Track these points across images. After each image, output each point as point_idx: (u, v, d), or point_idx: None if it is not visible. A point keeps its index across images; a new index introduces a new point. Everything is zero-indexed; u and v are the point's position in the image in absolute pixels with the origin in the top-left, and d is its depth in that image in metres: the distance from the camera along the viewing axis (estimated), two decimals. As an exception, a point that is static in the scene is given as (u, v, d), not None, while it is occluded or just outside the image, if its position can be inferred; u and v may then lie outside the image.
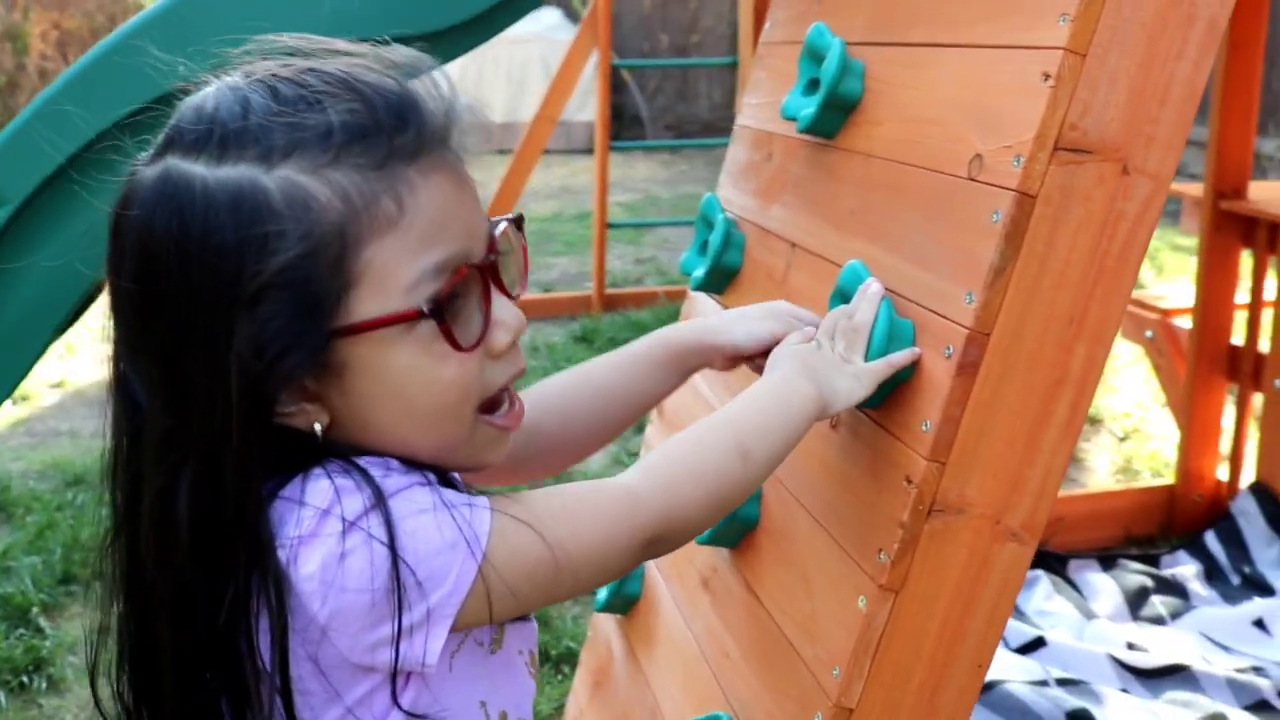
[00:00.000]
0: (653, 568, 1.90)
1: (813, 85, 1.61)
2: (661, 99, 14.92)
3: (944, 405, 1.19)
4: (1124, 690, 2.95)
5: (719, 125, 14.41)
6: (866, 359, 1.24)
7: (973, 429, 1.20)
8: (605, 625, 2.04)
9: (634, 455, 4.67)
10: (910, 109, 1.41)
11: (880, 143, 1.46)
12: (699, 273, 1.85)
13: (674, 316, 6.55)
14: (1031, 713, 2.76)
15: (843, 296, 1.35)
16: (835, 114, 1.54)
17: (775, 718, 1.38)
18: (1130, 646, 3.17)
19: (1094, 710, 2.76)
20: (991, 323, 1.18)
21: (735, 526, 1.54)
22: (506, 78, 13.94)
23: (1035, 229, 1.17)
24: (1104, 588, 3.59)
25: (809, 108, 1.56)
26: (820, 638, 1.31)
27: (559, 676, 3.12)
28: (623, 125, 13.67)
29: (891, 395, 1.27)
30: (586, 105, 12.87)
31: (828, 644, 1.30)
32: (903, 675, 1.26)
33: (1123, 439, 4.72)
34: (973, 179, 1.23)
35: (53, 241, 2.00)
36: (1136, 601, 3.52)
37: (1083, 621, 3.35)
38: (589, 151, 13.54)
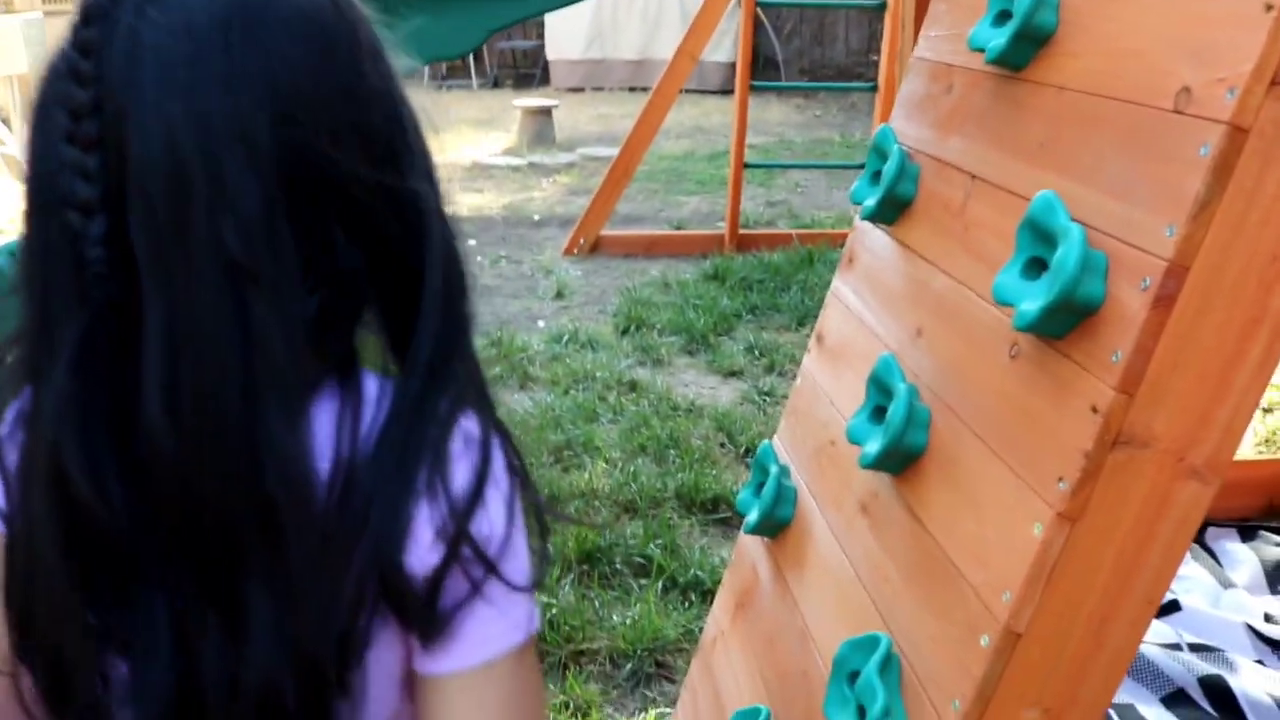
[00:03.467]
0: (805, 492, 1.92)
1: (1003, 17, 1.60)
2: (797, 42, 14.77)
3: (1137, 337, 1.19)
4: (1259, 662, 2.90)
5: (855, 70, 14.23)
6: (1061, 290, 1.24)
7: (1165, 362, 1.19)
8: (751, 548, 2.07)
9: (765, 394, 4.69)
10: (1110, 41, 1.39)
11: (1075, 75, 1.44)
12: (870, 202, 1.86)
13: (807, 260, 6.53)
14: (1163, 675, 2.73)
15: (1033, 227, 1.35)
16: (1026, 46, 1.53)
17: (938, 640, 1.40)
18: (1268, 619, 3.12)
19: (1228, 678, 2.72)
20: (1192, 256, 1.17)
21: (900, 453, 1.55)
22: (641, 16, 13.91)
23: (1245, 164, 1.15)
24: (1243, 558, 3.52)
25: (999, 39, 1.56)
26: (990, 563, 1.33)
27: (685, 604, 3.16)
28: (757, 68, 13.57)
29: (1078, 326, 1.27)
30: (720, 46, 12.80)
31: (998, 569, 1.31)
32: (1074, 604, 1.26)
33: (1267, 410, 4.62)
34: (1179, 111, 1.22)
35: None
36: (1275, 574, 3.46)
37: (1219, 590, 3.30)
38: (721, 92, 13.50)
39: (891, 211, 1.84)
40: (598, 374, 4.87)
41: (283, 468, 0.86)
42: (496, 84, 15.31)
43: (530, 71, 15.38)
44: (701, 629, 3.01)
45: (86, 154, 0.84)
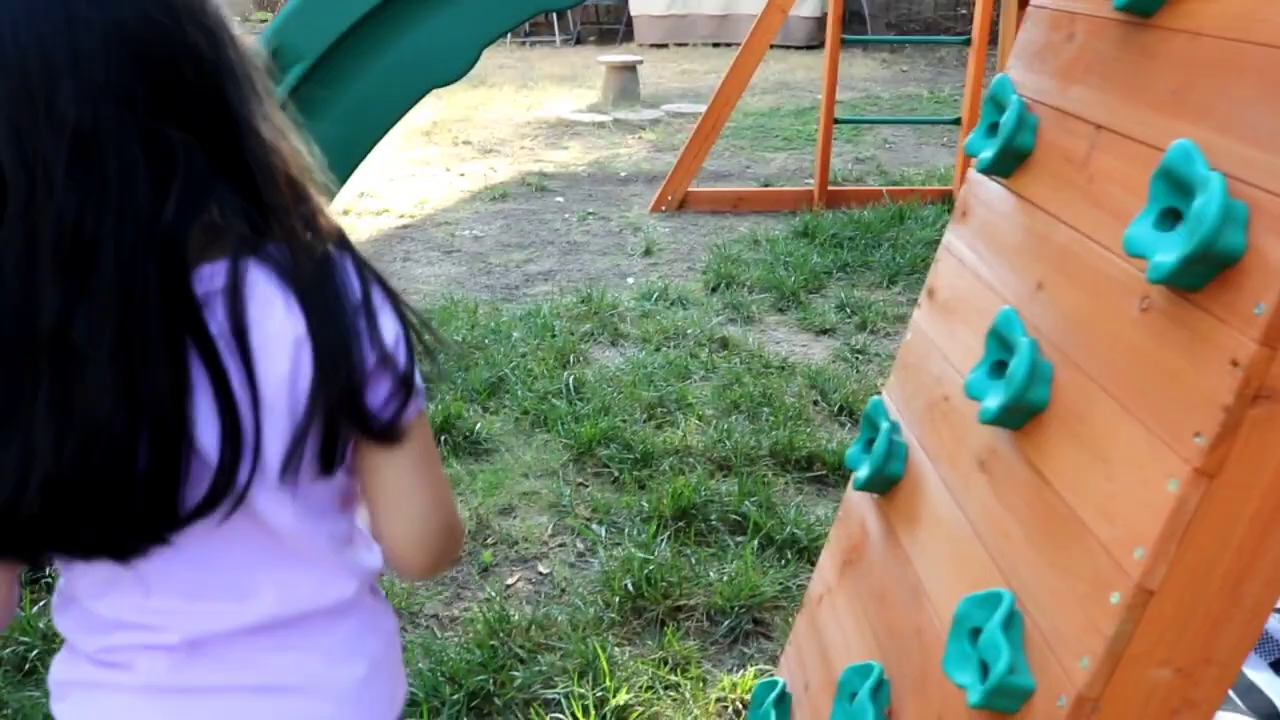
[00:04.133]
0: (917, 448, 1.90)
1: (1131, -38, 1.56)
2: (884, -4, 14.56)
3: (1281, 289, 1.16)
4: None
5: (942, 25, 14.01)
6: (1201, 241, 1.21)
7: (1310, 315, 1.16)
8: (860, 505, 2.06)
9: (857, 352, 4.66)
10: (1250, -15, 1.35)
11: (1211, 20, 1.40)
12: (987, 154, 1.82)
13: (897, 217, 6.46)
14: (1273, 639, 2.68)
15: (1168, 177, 1.31)
16: (1158, -9, 1.49)
17: (1063, 598, 1.37)
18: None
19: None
20: (1342, 205, 1.13)
21: (1023, 408, 1.53)
22: (726, -31, 13.78)
23: (1400, 108, 1.11)
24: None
25: (1129, -16, 1.51)
26: (1121, 519, 1.30)
27: (782, 561, 3.15)
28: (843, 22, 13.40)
29: (1217, 278, 1.24)
30: (804, 0, 12.65)
31: (1130, 525, 1.28)
32: (1208, 561, 1.24)
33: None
34: (1328, 55, 1.18)
35: (343, 97, 2.12)
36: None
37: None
38: (805, 47, 13.36)
39: (1009, 163, 1.80)
40: (689, 331, 4.87)
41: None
42: (579, 40, 15.28)
43: (613, 27, 15.33)
44: (799, 587, 3.01)
45: None
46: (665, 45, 14.06)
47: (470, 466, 3.73)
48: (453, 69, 2.25)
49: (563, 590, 3.07)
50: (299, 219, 1.12)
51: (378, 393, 1.14)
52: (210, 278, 1.07)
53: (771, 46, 6.71)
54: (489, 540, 3.31)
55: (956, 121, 7.38)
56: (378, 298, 1.15)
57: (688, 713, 2.57)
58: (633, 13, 14.49)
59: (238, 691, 1.23)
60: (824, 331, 4.96)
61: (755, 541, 3.21)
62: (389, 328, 1.15)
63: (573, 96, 11.17)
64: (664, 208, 6.90)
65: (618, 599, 2.96)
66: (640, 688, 2.63)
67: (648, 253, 6.15)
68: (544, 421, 4.00)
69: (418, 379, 1.18)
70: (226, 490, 1.11)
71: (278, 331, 1.09)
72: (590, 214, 7.02)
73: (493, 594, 3.03)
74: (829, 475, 3.63)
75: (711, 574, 3.05)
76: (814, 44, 13.41)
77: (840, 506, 2.18)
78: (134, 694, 1.22)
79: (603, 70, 11.06)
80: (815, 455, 3.71)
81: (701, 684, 2.67)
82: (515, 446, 3.86)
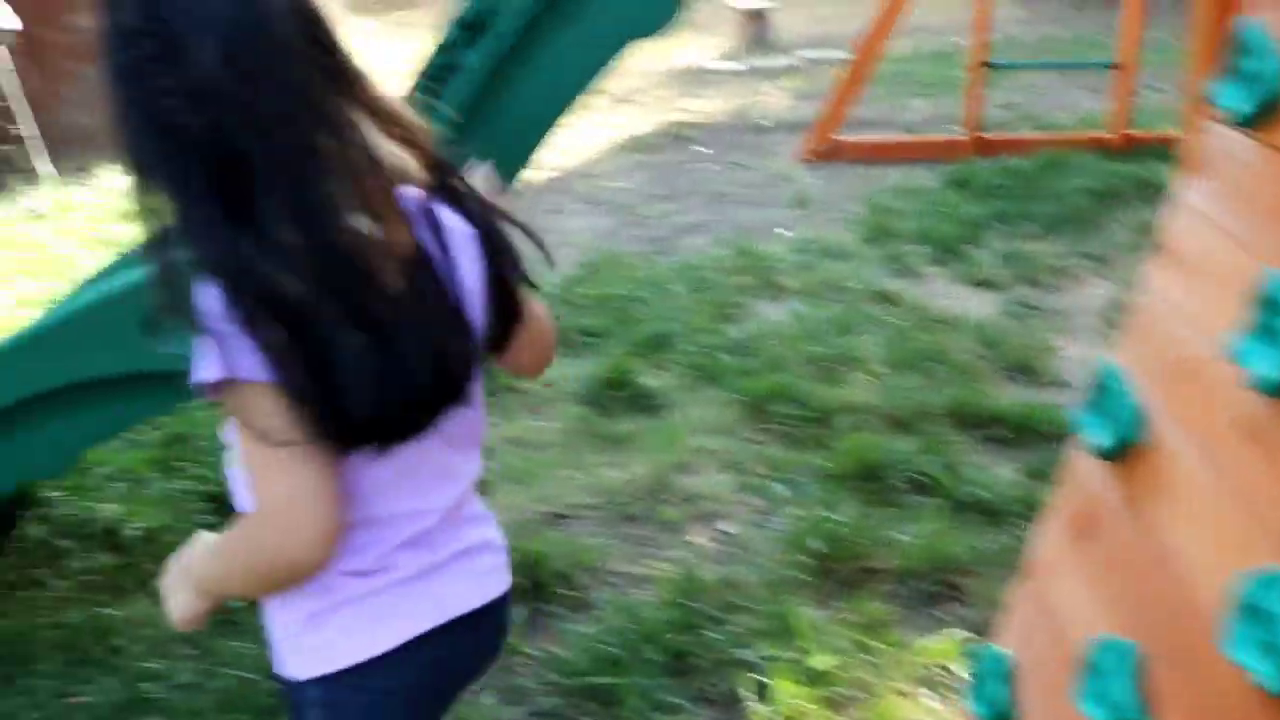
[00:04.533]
0: (1161, 412, 1.82)
1: None
2: (1022, -65, 14.13)
3: None
4: None
5: (1084, -36, 13.57)
6: None
7: None
8: (1090, 471, 1.99)
9: (1023, 306, 4.54)
10: None
11: None
12: (1242, 106, 1.73)
13: (1052, 165, 6.25)
14: None
15: None
16: None
17: (1365, 578, 1.30)
18: None
19: None
20: None
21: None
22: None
23: None
24: None
25: None
26: None
27: (969, 523, 3.08)
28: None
29: None
30: (945, -59, 12.32)
31: None
32: None
33: None
34: None
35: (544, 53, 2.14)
36: None
37: None
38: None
39: (1266, 115, 1.71)
40: (849, 284, 4.79)
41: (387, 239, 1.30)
42: (705, -13, 15.09)
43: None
44: (990, 550, 2.94)
45: None
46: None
47: (642, 422, 3.72)
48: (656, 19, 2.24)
49: (746, 549, 3.04)
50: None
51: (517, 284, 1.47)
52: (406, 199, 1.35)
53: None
54: (669, 498, 3.29)
55: (1110, 66, 7.13)
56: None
57: (887, 678, 2.54)
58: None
59: (480, 551, 1.53)
60: (985, 285, 4.85)
61: (940, 503, 3.15)
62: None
63: (704, 44, 11.04)
64: (811, 157, 6.80)
65: (806, 559, 2.93)
66: (838, 651, 2.60)
67: (799, 204, 6.07)
68: (712, 377, 3.97)
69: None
70: (477, 368, 1.41)
71: (463, 238, 1.39)
72: (735, 164, 6.94)
73: (679, 552, 3.02)
74: (1010, 436, 3.55)
75: (899, 535, 3.00)
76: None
77: (1063, 471, 2.11)
78: (404, 586, 1.43)
79: (732, 16, 10.92)
80: (994, 414, 3.63)
81: (898, 649, 2.63)
82: (685, 402, 3.85)
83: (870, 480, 3.28)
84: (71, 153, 8.26)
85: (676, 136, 7.68)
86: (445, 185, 1.38)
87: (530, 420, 3.79)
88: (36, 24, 7.80)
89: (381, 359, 1.26)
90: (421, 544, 1.44)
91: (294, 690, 1.47)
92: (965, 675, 2.55)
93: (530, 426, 3.74)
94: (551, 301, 4.64)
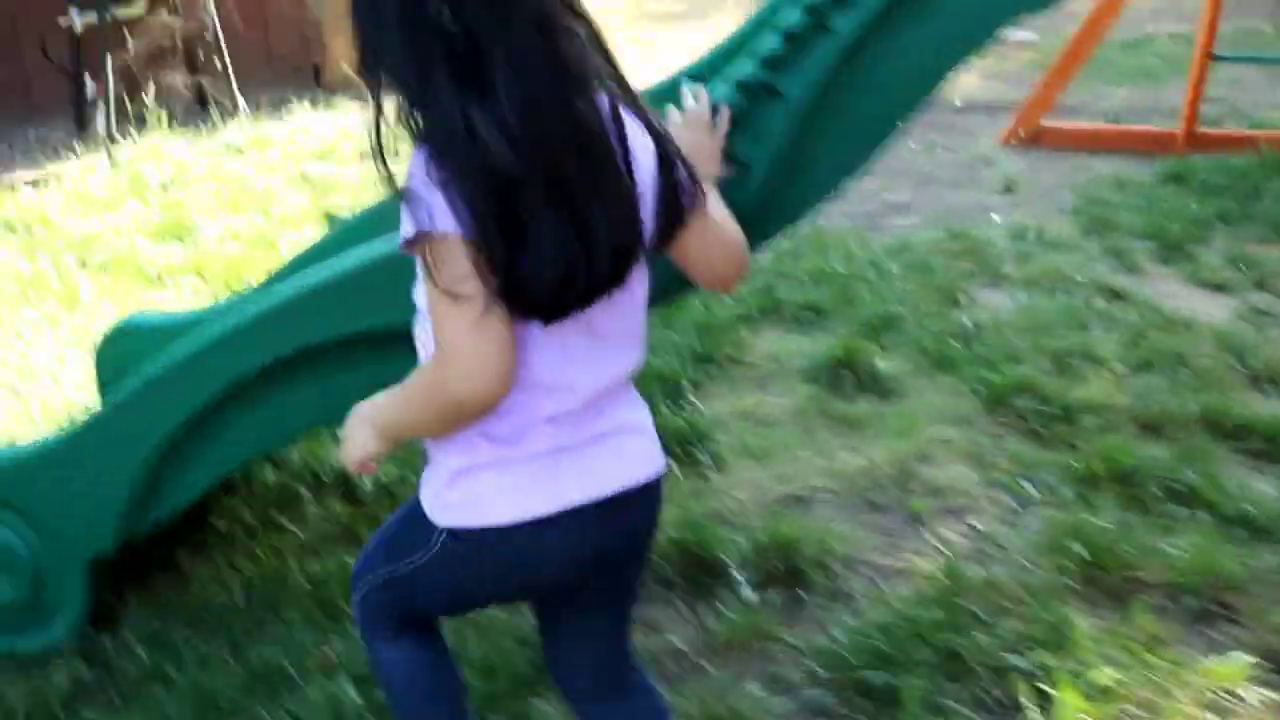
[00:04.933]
0: None
1: None
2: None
3: None
4: None
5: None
6: None
7: None
8: None
9: (1261, 313, 4.36)
10: None
11: None
12: None
13: (1274, 166, 5.97)
14: None
15: None
16: None
17: None
18: None
19: None
20: None
21: None
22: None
23: None
24: None
25: None
26: None
27: (1237, 539, 2.94)
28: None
29: None
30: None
31: None
32: None
33: None
34: None
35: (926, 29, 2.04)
36: None
37: None
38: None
39: None
40: (1075, 276, 4.63)
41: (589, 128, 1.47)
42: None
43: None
44: (1266, 570, 2.81)
45: None
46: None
47: (877, 406, 3.63)
48: None
49: (1003, 549, 2.94)
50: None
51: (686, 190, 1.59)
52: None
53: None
54: (914, 488, 3.20)
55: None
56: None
57: (1174, 699, 2.42)
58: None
59: (627, 433, 1.64)
60: (1217, 287, 4.65)
61: (1205, 515, 3.01)
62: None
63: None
64: (1015, 141, 6.62)
65: (1069, 564, 2.82)
66: (1119, 665, 2.49)
67: (1008, 189, 5.91)
68: (945, 364, 3.86)
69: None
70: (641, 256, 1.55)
71: (642, 145, 1.53)
72: (936, 144, 6.78)
73: (931, 547, 2.93)
74: (1265, 448, 3.39)
75: (1166, 546, 2.88)
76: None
77: None
78: (541, 461, 1.57)
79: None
80: (1247, 424, 3.47)
81: (1179, 668, 2.52)
82: (919, 389, 3.75)
83: (1125, 485, 3.15)
84: (264, 88, 8.38)
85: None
86: (634, 102, 1.54)
87: (760, 394, 3.73)
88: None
89: (570, 235, 1.42)
90: (563, 423, 1.57)
91: (431, 535, 1.64)
92: (1254, 701, 2.44)
93: (761, 401, 3.67)
94: (765, 274, 4.58)
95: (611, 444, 1.62)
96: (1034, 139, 6.60)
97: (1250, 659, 2.52)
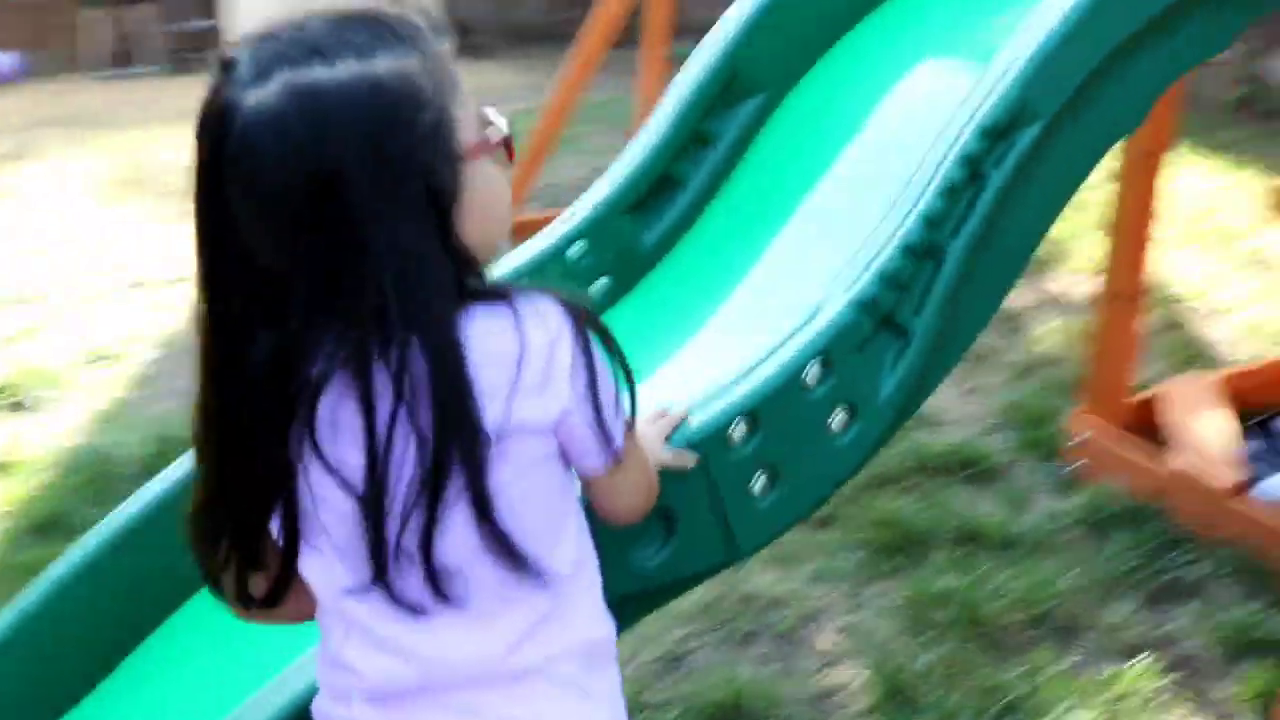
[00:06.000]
0: None
1: None
2: None
3: None
4: None
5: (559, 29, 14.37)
6: None
7: None
8: None
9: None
10: None
11: None
12: None
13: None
14: None
15: None
16: None
17: None
18: None
19: None
20: None
21: None
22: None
23: None
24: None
25: None
26: None
27: None
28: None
29: None
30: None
31: None
32: None
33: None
34: None
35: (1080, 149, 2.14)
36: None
37: None
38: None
39: None
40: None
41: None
42: (175, 70, 14.38)
43: (199, 56, 14.53)
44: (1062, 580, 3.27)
45: None
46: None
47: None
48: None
49: (868, 634, 3.16)
50: None
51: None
52: None
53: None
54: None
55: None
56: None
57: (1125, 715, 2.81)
58: (228, 37, 13.78)
59: None
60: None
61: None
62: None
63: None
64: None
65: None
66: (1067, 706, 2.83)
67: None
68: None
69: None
70: None
71: None
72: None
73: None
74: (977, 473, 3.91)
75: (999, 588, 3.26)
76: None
77: None
78: None
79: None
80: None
81: (1101, 687, 2.91)
82: None
83: (915, 544, 3.50)
84: None
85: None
86: None
87: None
88: None
89: None
90: None
91: None
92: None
93: None
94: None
95: None
96: (515, 233, 6.81)
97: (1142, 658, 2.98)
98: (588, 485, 1.38)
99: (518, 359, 1.19)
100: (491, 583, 1.25)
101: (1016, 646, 3.07)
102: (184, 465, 2.10)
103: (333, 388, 1.17)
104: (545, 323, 1.21)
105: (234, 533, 1.28)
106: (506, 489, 1.21)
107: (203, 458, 1.27)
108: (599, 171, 7.87)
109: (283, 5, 1.37)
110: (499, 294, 1.21)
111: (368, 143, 1.14)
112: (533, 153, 6.85)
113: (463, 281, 1.19)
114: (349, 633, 1.30)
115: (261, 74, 1.16)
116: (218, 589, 1.35)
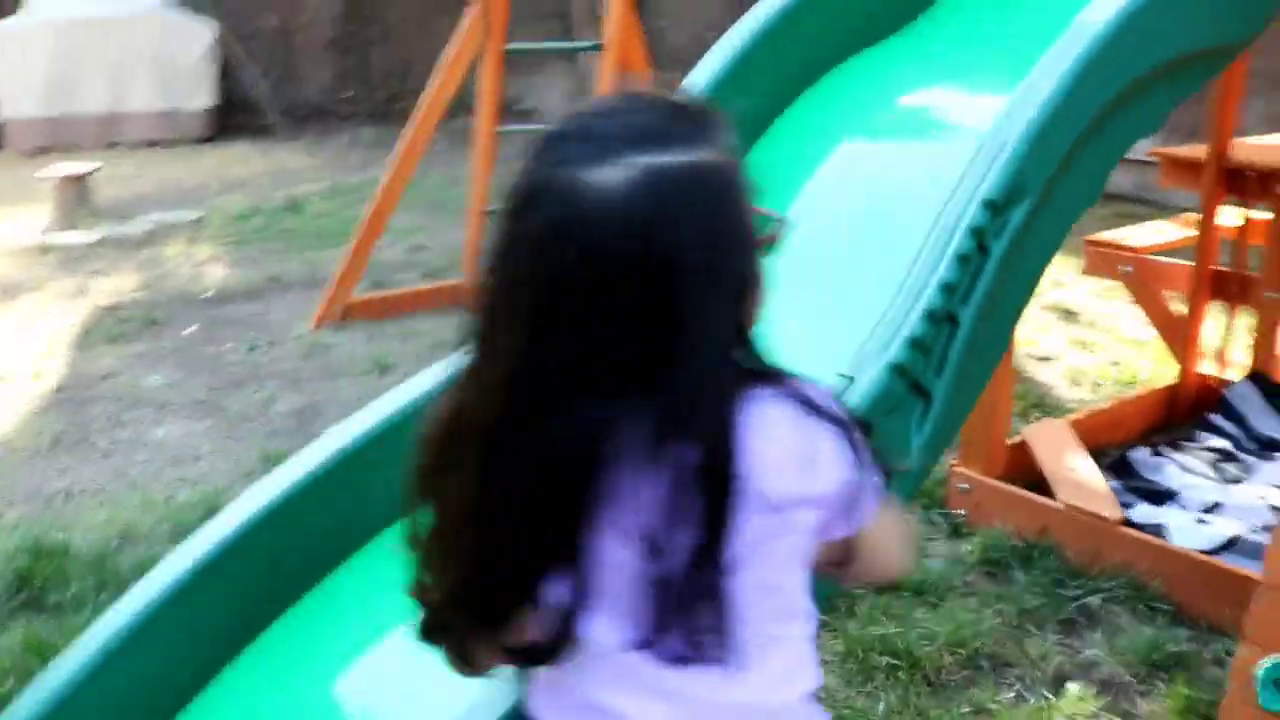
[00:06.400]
0: None
1: None
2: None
3: None
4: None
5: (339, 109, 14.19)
6: None
7: None
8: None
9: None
10: None
11: None
12: None
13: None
14: None
15: None
16: None
17: None
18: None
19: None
20: None
21: None
22: (108, 66, 13.05)
23: None
24: (1190, 464, 4.59)
25: None
26: None
27: None
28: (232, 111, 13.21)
29: None
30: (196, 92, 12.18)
31: None
32: None
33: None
34: None
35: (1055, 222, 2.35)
36: (1218, 470, 4.56)
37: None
38: (204, 140, 12.90)
39: None
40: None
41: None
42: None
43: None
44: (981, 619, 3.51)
45: None
46: (49, 150, 12.97)
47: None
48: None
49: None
50: None
51: None
52: None
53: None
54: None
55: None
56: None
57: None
58: (4, 117, 13.18)
59: None
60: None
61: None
62: None
63: (18, 220, 10.00)
64: (331, 320, 6.74)
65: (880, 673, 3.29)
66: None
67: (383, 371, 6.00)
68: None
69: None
70: None
71: None
72: (254, 344, 6.61)
73: None
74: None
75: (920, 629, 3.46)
76: (210, 135, 13.18)
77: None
78: None
79: (45, 186, 10.04)
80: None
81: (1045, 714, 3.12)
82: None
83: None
84: None
85: (128, 320, 7.06)
86: None
87: None
88: None
89: None
90: None
91: None
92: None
93: None
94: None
95: None
96: (346, 314, 6.77)
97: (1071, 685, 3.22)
98: None
99: (795, 439, 1.31)
100: (762, 626, 1.35)
101: (956, 686, 3.27)
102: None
103: (625, 458, 1.24)
104: (821, 406, 1.34)
105: (504, 600, 1.34)
106: (779, 553, 1.32)
107: (457, 541, 1.32)
108: (417, 250, 8.02)
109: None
110: (777, 376, 1.33)
111: (706, 227, 1.23)
112: (366, 233, 6.85)
113: (744, 362, 1.29)
114: (619, 680, 1.35)
115: (601, 153, 1.22)
116: (465, 667, 1.41)
